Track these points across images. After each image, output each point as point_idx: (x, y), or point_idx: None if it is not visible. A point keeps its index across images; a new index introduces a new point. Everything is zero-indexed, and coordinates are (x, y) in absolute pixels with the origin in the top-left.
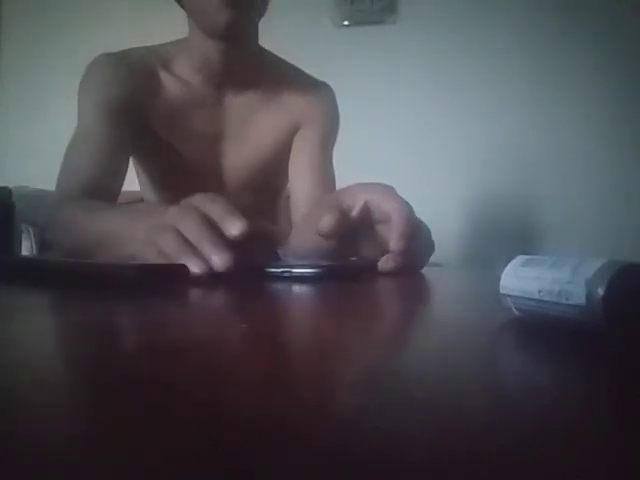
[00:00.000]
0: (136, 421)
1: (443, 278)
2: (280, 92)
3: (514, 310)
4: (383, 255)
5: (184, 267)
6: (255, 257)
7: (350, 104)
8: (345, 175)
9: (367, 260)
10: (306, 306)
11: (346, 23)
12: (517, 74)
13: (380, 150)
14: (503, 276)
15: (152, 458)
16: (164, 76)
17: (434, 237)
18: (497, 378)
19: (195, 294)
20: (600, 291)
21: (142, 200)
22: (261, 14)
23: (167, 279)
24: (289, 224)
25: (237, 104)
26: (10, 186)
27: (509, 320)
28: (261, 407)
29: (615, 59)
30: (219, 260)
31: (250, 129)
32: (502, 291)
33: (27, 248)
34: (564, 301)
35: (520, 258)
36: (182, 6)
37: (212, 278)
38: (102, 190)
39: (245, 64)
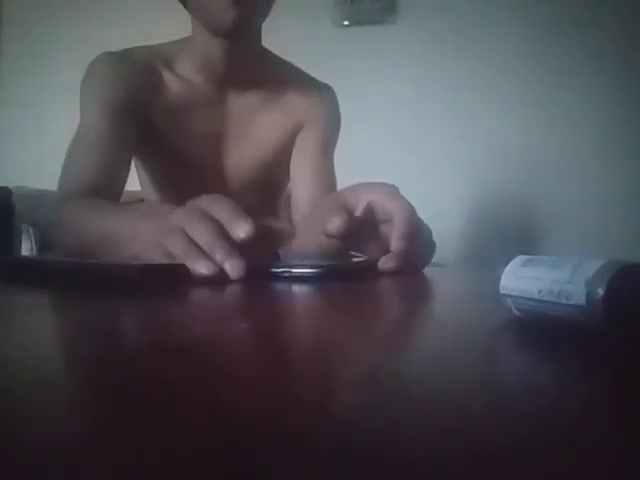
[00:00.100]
0: (136, 421)
1: (443, 278)
2: (282, 93)
3: (514, 310)
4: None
5: (184, 267)
6: (256, 257)
7: (350, 104)
8: (345, 175)
9: (367, 260)
10: (306, 306)
11: (346, 23)
12: (517, 74)
13: (380, 150)
14: (503, 276)
15: (152, 458)
16: (166, 75)
17: (434, 237)
18: (497, 378)
19: (195, 294)
20: (600, 291)
21: (142, 200)
22: (266, 15)
23: (169, 279)
24: (289, 223)
25: (239, 104)
26: (10, 186)
27: (509, 320)
28: (261, 407)
29: (615, 59)
30: (232, 269)
31: (252, 129)
32: (502, 291)
33: (27, 248)
34: (564, 301)
35: (520, 258)
36: (185, 5)
37: (212, 278)
38: (105, 189)
39: (248, 64)
